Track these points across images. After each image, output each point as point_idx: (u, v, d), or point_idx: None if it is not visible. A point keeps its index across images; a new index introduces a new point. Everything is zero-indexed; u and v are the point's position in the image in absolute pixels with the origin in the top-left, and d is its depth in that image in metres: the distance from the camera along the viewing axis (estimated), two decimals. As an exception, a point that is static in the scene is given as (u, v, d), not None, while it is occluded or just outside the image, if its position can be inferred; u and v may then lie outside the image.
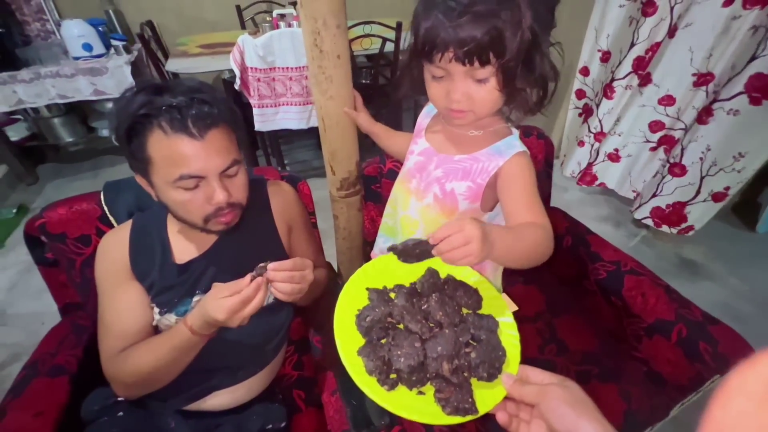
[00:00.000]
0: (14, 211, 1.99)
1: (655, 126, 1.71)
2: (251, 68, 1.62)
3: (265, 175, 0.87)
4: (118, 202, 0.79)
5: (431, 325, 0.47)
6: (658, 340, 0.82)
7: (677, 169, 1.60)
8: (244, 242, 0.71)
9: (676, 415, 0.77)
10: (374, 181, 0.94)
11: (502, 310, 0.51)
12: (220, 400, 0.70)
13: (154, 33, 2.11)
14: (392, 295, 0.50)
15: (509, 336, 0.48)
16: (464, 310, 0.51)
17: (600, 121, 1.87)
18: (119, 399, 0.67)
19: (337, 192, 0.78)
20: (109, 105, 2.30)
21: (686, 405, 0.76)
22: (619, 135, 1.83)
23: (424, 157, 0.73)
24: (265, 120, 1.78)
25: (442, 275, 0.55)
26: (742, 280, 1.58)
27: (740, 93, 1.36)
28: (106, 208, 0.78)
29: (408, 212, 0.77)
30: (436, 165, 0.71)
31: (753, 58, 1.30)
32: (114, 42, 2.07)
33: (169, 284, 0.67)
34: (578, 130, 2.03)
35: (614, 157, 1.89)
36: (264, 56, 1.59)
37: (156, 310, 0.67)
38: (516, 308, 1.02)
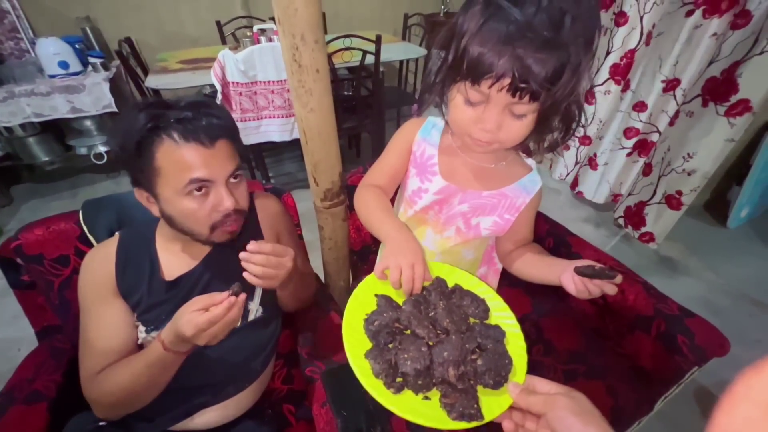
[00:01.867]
0: (-12, 234, 1.92)
1: (629, 132, 1.77)
2: (233, 83, 1.62)
3: (250, 188, 0.87)
4: (98, 220, 0.77)
5: (438, 331, 0.48)
6: (639, 336, 0.84)
7: (648, 168, 1.66)
8: (234, 256, 0.70)
9: (660, 409, 0.79)
10: (358, 191, 0.95)
11: (509, 320, 0.52)
12: (207, 417, 0.69)
13: (132, 49, 2.09)
14: (400, 301, 0.51)
15: (517, 346, 0.49)
16: (471, 320, 0.51)
17: (583, 126, 1.93)
18: (101, 423, 0.65)
19: (321, 203, 0.78)
20: (87, 123, 2.26)
21: (669, 398, 0.78)
22: (600, 139, 1.89)
23: (443, 195, 0.70)
24: (248, 134, 1.77)
25: (450, 284, 0.55)
26: (717, 275, 1.64)
27: (697, 95, 1.44)
28: (85, 228, 0.76)
29: (423, 242, 0.76)
30: (461, 201, 0.69)
31: (710, 63, 1.38)
32: (91, 59, 2.05)
33: (157, 300, 0.66)
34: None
35: (593, 164, 1.95)
36: (245, 71, 1.60)
37: (141, 328, 0.66)
38: None
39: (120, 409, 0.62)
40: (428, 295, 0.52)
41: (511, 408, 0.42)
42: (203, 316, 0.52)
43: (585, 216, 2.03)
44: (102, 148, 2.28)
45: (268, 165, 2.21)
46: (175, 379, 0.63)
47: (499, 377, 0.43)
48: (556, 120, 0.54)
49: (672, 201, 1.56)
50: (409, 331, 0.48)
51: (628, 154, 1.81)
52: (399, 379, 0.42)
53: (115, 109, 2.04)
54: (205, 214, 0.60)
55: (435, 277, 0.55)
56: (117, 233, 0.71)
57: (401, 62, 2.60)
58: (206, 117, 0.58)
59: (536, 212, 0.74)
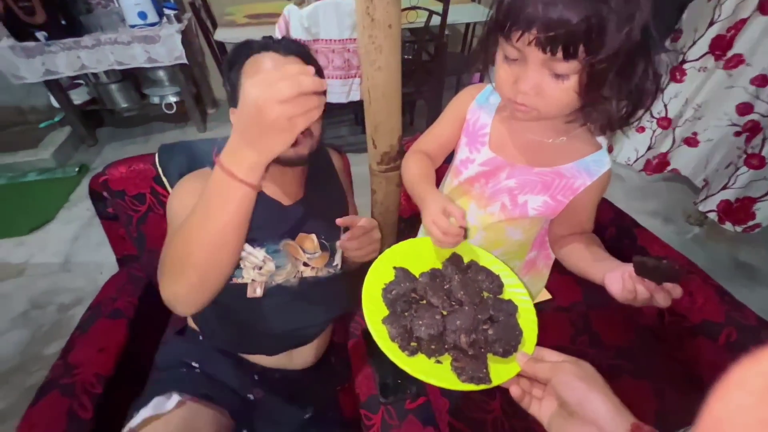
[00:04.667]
0: (77, 169, 2.16)
1: (743, 108, 1.56)
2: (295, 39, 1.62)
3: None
4: (171, 164, 0.83)
5: (452, 302, 0.49)
6: (702, 342, 0.78)
7: (755, 160, 1.45)
8: (324, 194, 0.78)
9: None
10: (414, 157, 0.94)
11: (523, 296, 0.53)
12: (304, 357, 0.76)
13: (203, 2, 2.15)
14: (417, 274, 0.53)
15: (528, 320, 0.50)
16: (485, 294, 0.53)
17: (665, 105, 1.73)
18: (193, 364, 0.72)
19: (377, 166, 0.78)
20: (161, 73, 2.40)
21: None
22: (699, 119, 1.69)
23: (489, 167, 0.66)
24: (306, 93, 1.79)
25: (466, 260, 0.57)
26: (805, 290, 1.45)
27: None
28: (160, 169, 0.82)
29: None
30: (509, 175, 0.65)
31: None
32: (166, 11, 2.14)
33: (266, 221, 0.66)
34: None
35: (692, 141, 1.75)
36: (309, 27, 1.59)
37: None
38: (549, 297, 1.00)
39: (177, 273, 0.52)
40: (444, 269, 0.54)
41: (519, 376, 0.44)
42: (274, 72, 0.42)
43: (652, 209, 1.86)
44: (172, 99, 2.42)
45: (325, 127, 2.23)
46: (275, 322, 0.70)
47: (508, 346, 0.45)
48: (615, 88, 0.46)
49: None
50: (424, 301, 0.50)
51: (737, 134, 1.60)
52: (413, 344, 0.44)
53: (185, 61, 2.14)
54: None
55: (452, 253, 0.56)
56: (207, 167, 0.75)
57: (467, 26, 2.44)
58: (285, 40, 0.66)
59: (599, 199, 0.65)
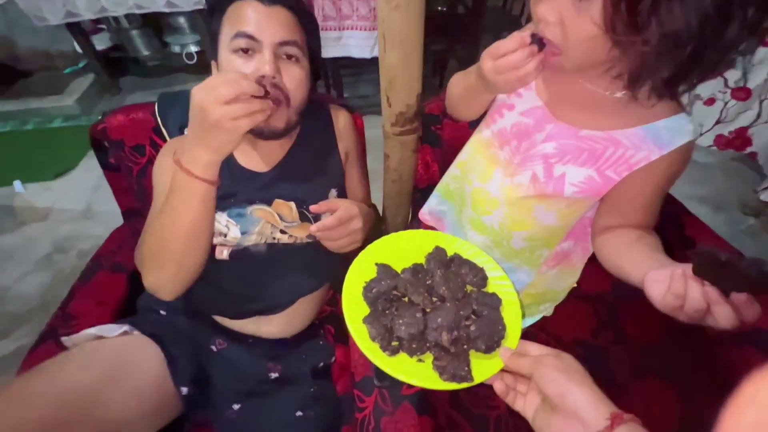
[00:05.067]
0: (99, 118, 2.16)
1: None
2: (318, -17, 1.48)
3: (321, 99, 0.81)
4: (171, 114, 0.78)
5: (434, 298, 0.49)
6: (749, 352, 0.68)
7: None
8: (310, 159, 0.71)
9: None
10: (435, 121, 0.83)
11: (508, 289, 0.52)
12: (275, 327, 0.72)
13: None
14: (399, 269, 0.52)
15: (512, 313, 0.49)
16: (468, 288, 0.52)
17: (745, 74, 1.48)
18: (161, 312, 0.71)
19: (391, 128, 0.69)
20: (181, 20, 2.31)
21: None
22: None
23: (531, 119, 0.54)
24: (326, 45, 1.66)
25: (449, 253, 0.55)
26: None
27: None
28: (159, 119, 0.77)
29: (486, 186, 0.61)
30: (548, 137, 0.53)
31: None
32: (186, -50, 2.01)
33: (232, 188, 0.64)
34: (703, 85, 1.65)
35: None
36: (332, -31, 1.44)
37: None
38: (573, 284, 0.91)
39: (156, 266, 0.56)
40: (427, 263, 0.53)
41: (504, 371, 0.44)
42: (217, 77, 0.46)
43: (703, 194, 1.67)
44: (193, 48, 2.35)
45: (344, 85, 2.11)
46: (243, 286, 0.66)
47: (491, 342, 0.45)
48: (663, 33, 0.35)
49: None
50: (406, 299, 0.50)
51: None
52: (395, 343, 0.44)
53: (205, 6, 2.03)
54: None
55: (434, 246, 0.55)
56: None
57: (512, -25, 2.17)
58: None
59: (670, 182, 0.51)
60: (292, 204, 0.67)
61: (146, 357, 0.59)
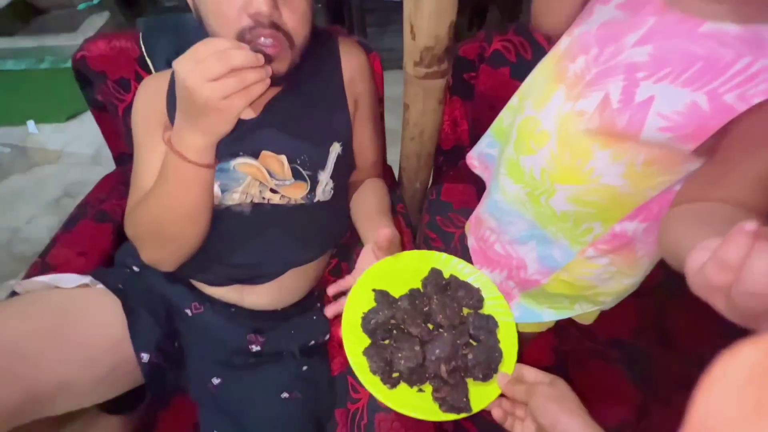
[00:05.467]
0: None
1: None
2: None
3: (332, 31, 0.67)
4: (157, 44, 0.67)
5: (431, 327, 0.50)
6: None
7: None
8: (307, 104, 0.59)
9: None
10: (469, 67, 0.68)
11: (503, 310, 0.52)
12: (258, 298, 0.63)
13: None
14: (397, 295, 0.52)
15: (508, 335, 0.50)
16: (465, 310, 0.52)
17: None
18: (135, 269, 0.64)
19: (414, 68, 0.55)
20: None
21: None
22: None
23: (628, 11, 0.38)
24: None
25: (446, 275, 0.55)
26: None
27: None
28: (144, 49, 0.66)
29: (539, 114, 0.46)
30: (644, 37, 0.36)
31: None
32: None
33: None
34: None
35: None
36: None
37: None
38: (629, 288, 0.76)
39: (156, 246, 0.55)
40: (423, 288, 0.53)
41: (502, 396, 0.45)
42: (202, 47, 0.39)
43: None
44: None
45: (368, 34, 1.91)
46: (223, 250, 0.58)
47: (488, 370, 0.46)
48: None
49: None
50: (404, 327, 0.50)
51: None
52: (395, 374, 0.45)
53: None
54: (234, 14, 0.44)
55: (431, 268, 0.55)
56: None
57: None
58: None
59: None
60: (283, 158, 0.56)
61: (102, 314, 0.52)
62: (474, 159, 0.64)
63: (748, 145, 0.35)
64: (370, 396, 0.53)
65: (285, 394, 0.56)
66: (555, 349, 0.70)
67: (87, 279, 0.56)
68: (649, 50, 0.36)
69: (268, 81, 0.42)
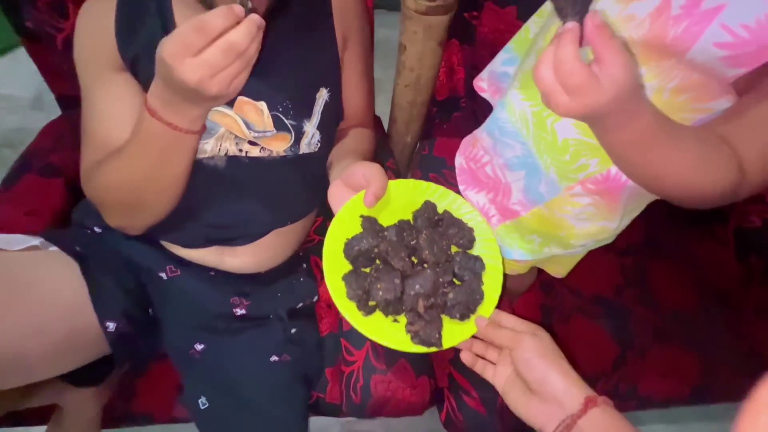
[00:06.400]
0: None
1: None
2: None
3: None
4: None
5: (415, 260, 0.49)
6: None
7: None
8: (290, 45, 0.52)
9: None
10: (471, 4, 0.61)
11: (494, 254, 0.51)
12: (240, 261, 0.58)
13: None
14: (386, 224, 0.51)
15: (493, 279, 0.49)
16: (453, 248, 0.51)
17: None
18: (96, 229, 0.57)
19: (415, 1, 0.48)
20: None
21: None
22: None
23: None
24: None
25: (440, 210, 0.53)
26: None
27: None
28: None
29: (599, 4, 0.38)
30: None
31: None
32: None
33: None
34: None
35: None
36: None
37: None
38: (601, 241, 0.76)
39: (127, 214, 0.50)
40: (414, 221, 0.52)
41: (474, 338, 0.45)
42: (186, 27, 0.34)
43: None
44: None
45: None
46: (195, 208, 0.52)
47: (467, 311, 0.46)
48: None
49: None
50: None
51: None
52: (372, 303, 0.45)
53: None
54: None
55: (425, 201, 0.53)
56: None
57: None
58: None
59: None
60: (263, 104, 0.50)
61: (56, 280, 0.46)
62: (483, 81, 0.59)
63: None
64: (366, 358, 0.52)
65: (274, 357, 0.54)
66: (542, 306, 0.72)
67: (37, 240, 0.49)
68: None
69: (259, 46, 0.38)
